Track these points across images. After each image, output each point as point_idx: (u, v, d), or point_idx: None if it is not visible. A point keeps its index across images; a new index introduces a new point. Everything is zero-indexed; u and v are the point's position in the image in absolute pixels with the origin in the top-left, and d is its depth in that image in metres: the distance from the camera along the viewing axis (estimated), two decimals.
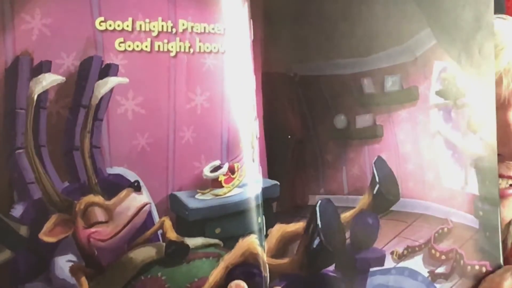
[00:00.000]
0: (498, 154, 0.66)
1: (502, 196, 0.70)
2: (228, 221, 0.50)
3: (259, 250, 0.50)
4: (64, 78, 0.45)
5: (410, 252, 0.58)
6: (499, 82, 0.71)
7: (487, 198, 0.62)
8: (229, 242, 0.50)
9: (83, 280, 0.47)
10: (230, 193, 0.51)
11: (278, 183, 0.55)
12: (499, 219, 0.62)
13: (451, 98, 0.61)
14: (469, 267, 0.61)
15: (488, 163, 0.62)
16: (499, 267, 0.62)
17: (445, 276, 0.60)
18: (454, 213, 0.60)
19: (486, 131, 0.62)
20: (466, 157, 0.61)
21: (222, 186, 0.50)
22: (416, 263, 0.58)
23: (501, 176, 0.71)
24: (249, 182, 0.51)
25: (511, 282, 0.60)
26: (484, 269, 0.61)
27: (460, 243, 0.61)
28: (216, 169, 0.50)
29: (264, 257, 0.50)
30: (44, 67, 0.44)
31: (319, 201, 0.54)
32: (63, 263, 0.47)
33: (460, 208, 0.61)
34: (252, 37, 0.52)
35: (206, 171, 0.50)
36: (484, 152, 0.62)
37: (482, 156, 0.62)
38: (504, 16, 0.79)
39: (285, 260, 0.53)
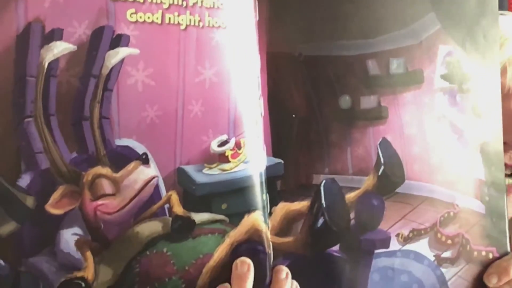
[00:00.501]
0: (504, 143, 0.71)
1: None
2: (234, 197, 0.54)
3: (263, 227, 0.54)
4: (75, 47, 0.48)
5: (415, 235, 0.62)
6: (503, 72, 0.76)
7: (493, 184, 0.66)
8: (235, 218, 0.54)
9: (89, 254, 0.50)
10: (236, 168, 0.54)
11: (282, 162, 0.58)
12: (505, 205, 0.66)
13: (456, 82, 0.66)
14: (475, 253, 0.65)
15: (493, 148, 0.66)
16: (506, 253, 0.66)
17: (451, 261, 0.63)
18: (460, 198, 0.64)
19: (491, 116, 0.67)
20: (472, 141, 0.66)
21: (229, 161, 0.54)
22: (422, 246, 0.62)
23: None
24: (254, 158, 0.55)
25: None
26: (491, 255, 0.65)
27: (466, 228, 0.65)
28: (223, 143, 0.54)
29: (268, 234, 0.54)
30: (56, 35, 0.48)
31: (324, 181, 0.57)
32: (69, 237, 0.50)
33: (466, 193, 0.65)
34: (257, 17, 0.56)
35: (214, 146, 0.54)
36: (489, 137, 0.66)
37: (488, 141, 0.66)
38: (504, 12, 0.84)
39: (289, 239, 0.57)
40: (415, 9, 0.63)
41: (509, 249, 0.67)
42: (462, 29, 0.66)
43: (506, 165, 0.76)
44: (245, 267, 0.52)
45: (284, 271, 0.54)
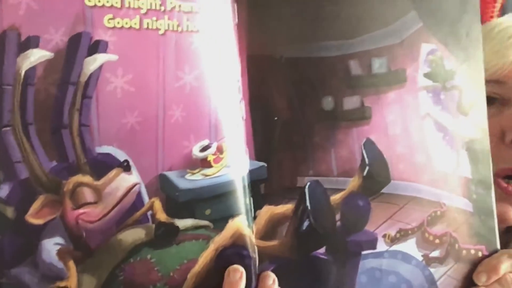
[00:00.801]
0: None
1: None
2: (217, 202, 0.55)
3: (247, 231, 0.55)
4: (52, 54, 0.50)
5: (402, 235, 0.63)
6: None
7: (480, 181, 0.68)
8: (219, 223, 0.55)
9: (71, 263, 0.51)
10: (218, 173, 0.55)
11: (266, 165, 0.60)
12: (493, 203, 0.68)
13: (440, 81, 0.67)
14: (464, 251, 0.66)
15: (480, 145, 0.68)
16: (496, 251, 0.67)
17: (440, 260, 0.65)
18: (447, 196, 0.66)
19: (476, 113, 0.68)
20: (457, 139, 0.67)
21: (211, 166, 0.55)
22: (410, 246, 0.64)
23: None
24: (237, 162, 0.56)
25: (508, 265, 0.65)
26: (480, 254, 0.66)
27: (454, 227, 0.66)
28: (205, 148, 0.55)
29: (252, 238, 0.55)
30: (32, 42, 0.49)
31: (308, 183, 0.59)
32: (51, 246, 0.51)
33: (453, 191, 0.66)
34: (236, 20, 0.58)
35: (196, 151, 0.55)
36: (475, 135, 0.68)
37: (474, 138, 0.68)
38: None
39: (274, 243, 0.58)
40: (396, 8, 0.65)
41: (498, 246, 0.68)
42: (444, 27, 0.68)
43: None
44: (238, 274, 0.53)
45: (271, 277, 0.55)
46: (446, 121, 0.67)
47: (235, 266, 0.53)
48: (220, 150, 0.55)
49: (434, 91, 0.67)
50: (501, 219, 0.70)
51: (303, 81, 0.62)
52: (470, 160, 0.68)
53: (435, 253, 0.65)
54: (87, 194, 0.52)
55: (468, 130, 0.68)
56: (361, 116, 0.63)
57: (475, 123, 0.69)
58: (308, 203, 0.58)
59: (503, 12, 1.01)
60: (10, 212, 0.50)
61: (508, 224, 0.77)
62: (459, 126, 0.68)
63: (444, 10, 0.68)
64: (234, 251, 0.54)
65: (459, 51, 0.69)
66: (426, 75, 0.67)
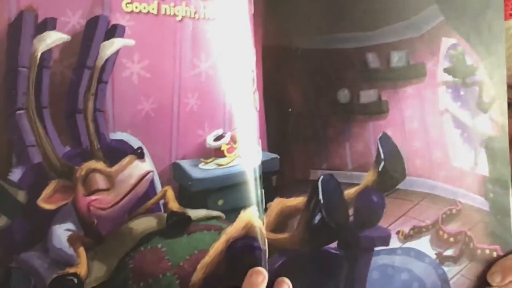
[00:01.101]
0: None
1: None
2: (230, 193, 0.56)
3: (258, 223, 0.56)
4: (69, 37, 0.50)
5: (416, 232, 0.64)
6: None
7: (498, 180, 0.68)
8: (231, 214, 0.56)
9: (81, 250, 0.53)
10: (231, 163, 0.56)
11: (278, 157, 0.60)
12: (510, 202, 0.68)
13: (460, 76, 0.68)
14: (479, 251, 0.67)
15: (498, 143, 0.68)
16: (511, 252, 0.68)
17: (454, 259, 0.65)
18: (463, 194, 0.66)
19: (496, 111, 0.69)
20: (475, 137, 0.68)
21: (225, 156, 0.56)
22: (423, 244, 0.64)
23: None
24: (250, 153, 0.57)
25: None
26: (494, 253, 0.67)
27: (470, 226, 0.67)
28: (218, 138, 0.56)
29: (263, 230, 0.56)
30: (49, 24, 0.50)
31: (321, 176, 0.59)
32: (61, 232, 0.52)
33: (470, 189, 0.67)
34: (253, 10, 0.58)
35: (210, 140, 0.56)
36: (494, 133, 0.68)
37: (493, 136, 0.68)
38: None
39: (284, 235, 0.59)
40: (417, 1, 0.65)
41: None
42: (466, 21, 0.68)
43: None
44: (260, 277, 0.54)
45: (287, 285, 0.56)
46: (465, 117, 0.68)
47: (259, 268, 0.54)
48: (233, 140, 0.56)
49: (454, 87, 0.68)
50: None
51: (319, 73, 0.63)
52: (488, 158, 0.69)
53: (449, 252, 0.66)
54: (100, 181, 0.52)
55: (487, 128, 0.69)
56: (378, 110, 0.64)
57: (495, 121, 0.69)
58: (320, 197, 0.58)
59: None
60: (22, 196, 0.51)
61: None
62: (478, 123, 0.69)
63: (467, 4, 0.68)
64: (245, 243, 0.55)
65: (480, 46, 0.69)
66: (446, 70, 0.67)
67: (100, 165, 0.53)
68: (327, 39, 0.63)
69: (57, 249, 0.52)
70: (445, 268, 0.65)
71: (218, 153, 0.56)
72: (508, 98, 0.76)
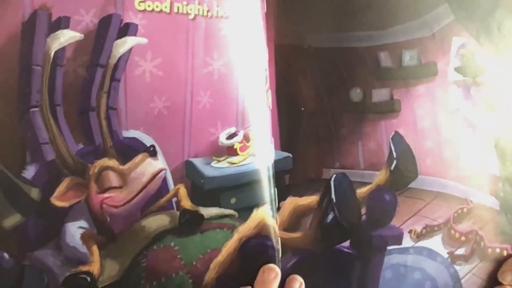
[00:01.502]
0: None
1: None
2: (243, 191, 0.56)
3: (271, 222, 0.55)
4: (82, 35, 0.50)
5: (428, 231, 0.64)
6: None
7: (508, 179, 0.68)
8: (244, 213, 0.55)
9: (95, 248, 0.52)
10: (244, 161, 0.56)
11: (291, 156, 0.60)
12: None
13: (470, 75, 0.67)
14: (489, 250, 0.66)
15: (509, 143, 0.68)
16: None
17: (465, 258, 0.65)
18: (474, 193, 0.66)
19: (506, 110, 0.68)
20: (486, 136, 0.67)
21: (238, 154, 0.56)
22: (435, 243, 0.64)
23: None
24: (262, 152, 0.56)
25: None
26: (505, 252, 0.66)
27: (481, 225, 0.66)
28: (231, 136, 0.56)
29: (276, 229, 0.56)
30: (63, 23, 0.50)
31: (334, 175, 0.59)
32: (74, 230, 0.52)
33: (480, 189, 0.66)
34: (265, 9, 0.58)
35: (222, 138, 0.55)
36: (504, 132, 0.68)
37: (503, 136, 0.68)
38: None
39: (297, 234, 0.58)
40: (428, 0, 0.65)
41: None
42: (476, 21, 0.68)
43: None
44: (272, 274, 0.53)
45: (298, 281, 0.55)
46: (475, 117, 0.68)
47: (271, 265, 0.54)
48: (246, 138, 0.56)
49: (465, 86, 0.67)
50: None
51: (331, 72, 0.63)
52: (498, 157, 0.68)
53: (461, 251, 0.65)
54: (113, 178, 0.52)
55: (497, 127, 0.68)
56: (390, 109, 0.63)
57: (504, 120, 0.69)
58: (333, 196, 0.58)
59: None
60: (35, 193, 0.51)
61: None
62: (488, 122, 0.68)
63: (477, 3, 0.68)
64: (258, 242, 0.55)
65: (490, 45, 0.69)
66: (457, 69, 0.67)
67: (113, 162, 0.52)
68: (340, 38, 0.62)
69: (70, 247, 0.52)
70: (457, 267, 0.65)
71: (230, 151, 0.56)
72: None
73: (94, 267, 0.52)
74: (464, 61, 0.67)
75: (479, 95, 0.68)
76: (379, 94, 0.63)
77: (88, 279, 0.51)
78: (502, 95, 0.69)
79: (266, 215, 0.55)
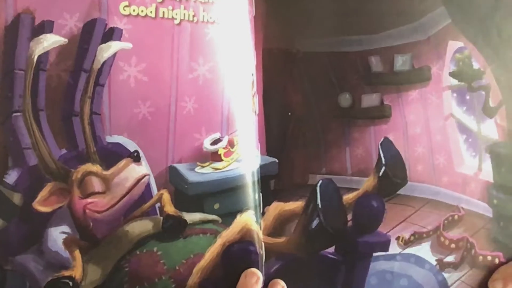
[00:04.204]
0: None
1: None
2: (226, 197, 0.56)
3: (255, 227, 0.56)
4: (66, 40, 0.51)
5: (417, 238, 0.64)
6: None
7: (502, 186, 0.68)
8: (227, 218, 0.56)
9: (77, 253, 0.53)
10: (228, 167, 0.57)
11: (277, 161, 0.61)
12: None
13: (466, 80, 0.67)
14: (480, 257, 0.66)
15: (504, 149, 0.68)
16: None
17: (455, 266, 0.65)
18: (466, 200, 0.66)
19: (502, 116, 0.68)
20: (480, 142, 0.68)
21: (222, 160, 0.56)
22: (424, 250, 0.64)
23: None
24: (247, 157, 0.57)
25: None
26: (497, 260, 0.67)
27: (472, 232, 0.66)
28: (216, 142, 0.56)
29: (260, 234, 0.57)
30: (46, 27, 0.50)
31: (320, 181, 0.59)
32: (57, 235, 0.53)
33: (473, 195, 0.67)
34: (254, 13, 0.58)
35: (206, 144, 0.56)
36: (500, 138, 0.68)
37: (498, 142, 0.68)
38: None
39: (282, 239, 0.59)
40: (424, 4, 0.65)
41: None
42: (474, 24, 0.68)
43: None
44: (254, 278, 0.54)
45: (280, 285, 0.56)
46: (470, 122, 0.68)
47: (253, 269, 0.55)
48: (231, 144, 0.56)
49: (460, 91, 0.67)
50: None
51: (320, 77, 0.63)
52: (493, 163, 0.68)
53: (450, 258, 0.66)
54: (96, 184, 0.53)
55: (493, 133, 0.68)
56: (380, 114, 0.64)
57: (501, 126, 0.69)
58: (319, 201, 0.59)
59: None
60: (17, 198, 0.52)
61: None
62: (484, 128, 0.68)
63: (475, 6, 0.68)
64: (241, 247, 0.56)
65: (488, 49, 0.68)
66: (452, 74, 0.67)
67: (96, 168, 0.53)
68: (329, 42, 0.63)
69: (52, 251, 0.53)
70: (446, 275, 0.65)
71: (215, 157, 0.56)
72: None
73: (77, 272, 0.53)
74: (460, 66, 0.67)
75: (474, 101, 0.68)
76: (369, 100, 0.64)
77: (70, 283, 0.52)
78: (500, 100, 0.69)
79: (250, 220, 0.56)
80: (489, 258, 0.67)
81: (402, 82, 0.65)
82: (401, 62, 0.65)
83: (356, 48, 0.63)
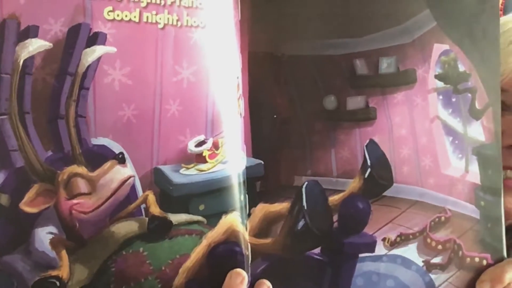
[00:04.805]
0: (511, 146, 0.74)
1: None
2: (211, 198, 0.57)
3: (241, 228, 0.57)
4: (51, 44, 0.52)
5: (403, 239, 0.65)
6: None
7: (489, 188, 0.69)
8: (212, 219, 0.57)
9: (64, 253, 0.54)
10: (213, 168, 0.58)
11: (262, 162, 0.62)
12: (502, 210, 0.69)
13: (452, 83, 0.68)
14: (468, 259, 0.67)
15: (491, 151, 0.69)
16: (501, 260, 0.68)
17: (442, 267, 0.66)
18: (453, 202, 0.67)
19: (489, 117, 0.69)
20: (467, 144, 0.68)
21: (206, 162, 0.58)
22: (410, 251, 0.65)
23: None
24: (233, 159, 0.58)
25: None
26: (484, 262, 0.68)
27: (459, 233, 0.67)
28: (200, 144, 0.58)
29: (246, 235, 0.58)
30: (32, 31, 0.52)
31: (306, 182, 0.61)
32: (44, 235, 0.54)
33: (460, 197, 0.68)
34: (239, 17, 0.60)
35: (191, 146, 0.57)
36: (487, 140, 0.69)
37: (485, 143, 0.69)
38: None
39: (267, 240, 0.60)
40: (409, 7, 0.66)
41: (505, 255, 0.69)
42: (460, 27, 0.69)
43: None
44: (239, 279, 0.56)
45: (266, 285, 0.57)
46: (456, 124, 0.69)
47: (238, 270, 0.56)
48: (216, 146, 0.58)
49: (445, 93, 0.68)
50: (507, 213, 0.71)
51: (305, 80, 0.64)
52: (480, 165, 0.69)
53: (437, 259, 0.67)
54: (81, 185, 0.54)
55: (480, 135, 0.69)
56: (365, 117, 0.65)
57: (487, 128, 0.70)
58: (304, 203, 0.60)
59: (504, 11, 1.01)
60: (4, 199, 0.53)
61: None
62: (470, 130, 0.69)
63: (461, 9, 0.69)
64: (227, 248, 0.57)
65: (474, 52, 0.70)
66: (438, 77, 0.68)
67: (82, 169, 0.54)
68: (314, 46, 0.64)
69: (39, 251, 0.54)
70: (433, 276, 0.66)
71: (199, 158, 0.58)
72: (502, 102, 0.76)
73: (63, 272, 0.54)
74: (445, 68, 0.68)
75: (460, 103, 0.69)
76: (354, 102, 0.65)
77: (57, 283, 0.53)
78: (486, 102, 0.70)
79: (235, 221, 0.57)
80: (477, 259, 0.68)
81: (387, 84, 0.66)
82: (386, 65, 0.66)
83: (341, 51, 0.64)
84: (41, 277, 0.53)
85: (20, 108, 0.52)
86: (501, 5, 1.01)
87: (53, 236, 0.54)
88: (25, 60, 0.52)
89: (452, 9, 0.69)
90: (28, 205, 0.53)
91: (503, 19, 0.87)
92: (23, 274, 0.53)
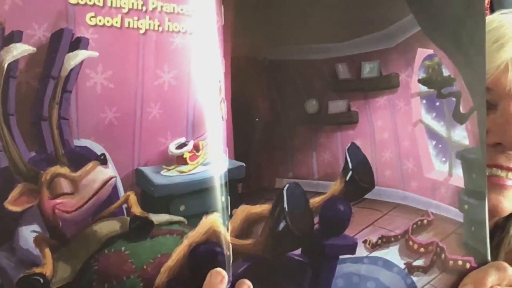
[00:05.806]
0: (498, 144, 0.75)
1: (502, 187, 0.78)
2: (192, 199, 0.59)
3: (222, 228, 0.59)
4: (35, 49, 0.55)
5: (384, 242, 0.66)
6: (504, 72, 0.80)
7: (473, 192, 0.70)
8: (193, 219, 0.59)
9: (47, 251, 0.57)
10: (194, 170, 0.60)
11: (244, 165, 0.64)
12: (486, 214, 0.70)
13: (436, 87, 0.70)
14: (451, 262, 0.68)
15: (475, 155, 0.70)
16: (485, 263, 0.69)
17: (424, 269, 0.68)
18: (436, 205, 0.68)
19: (473, 121, 0.70)
20: (451, 148, 0.70)
21: (187, 163, 0.60)
22: (392, 253, 0.67)
23: (500, 167, 0.80)
24: (214, 160, 0.60)
25: (495, 278, 0.67)
26: (468, 265, 0.69)
27: (442, 236, 0.69)
28: (181, 146, 0.60)
29: (227, 236, 0.60)
30: (16, 36, 0.54)
31: (287, 185, 0.62)
32: (28, 234, 0.56)
33: (443, 201, 0.69)
34: (223, 22, 0.62)
35: (172, 148, 0.59)
36: (471, 144, 0.70)
37: (469, 147, 0.70)
38: (506, 10, 0.88)
39: (248, 241, 0.62)
40: (392, 12, 0.68)
41: (489, 258, 0.70)
42: (444, 32, 0.70)
43: (501, 167, 0.80)
44: (219, 278, 0.58)
45: (246, 285, 0.59)
46: (439, 128, 0.70)
47: (218, 269, 0.58)
48: (196, 148, 0.60)
49: (429, 98, 0.70)
50: (492, 211, 0.72)
51: (287, 84, 0.66)
52: (464, 169, 0.70)
53: (419, 262, 0.68)
54: (64, 185, 0.56)
55: (464, 139, 0.71)
56: (347, 120, 0.66)
57: (472, 132, 0.71)
58: (285, 205, 0.61)
59: (491, 9, 1.02)
60: None
61: (499, 215, 0.79)
62: (455, 134, 0.70)
63: (446, 14, 0.70)
64: (207, 248, 0.59)
65: (460, 56, 0.71)
66: (421, 81, 0.69)
67: (64, 170, 0.57)
68: (295, 50, 0.66)
69: (23, 249, 0.56)
70: (415, 278, 0.67)
71: (180, 160, 0.60)
72: (487, 101, 0.77)
73: (47, 269, 0.56)
74: (429, 73, 0.69)
75: (444, 107, 0.70)
76: (336, 106, 0.66)
77: (41, 280, 0.55)
78: (470, 106, 0.71)
79: (216, 222, 0.59)
80: (460, 262, 0.69)
81: (369, 89, 0.67)
82: (368, 69, 0.67)
83: (324, 56, 0.66)
84: (25, 274, 0.55)
85: (5, 110, 0.55)
86: (487, 4, 1.02)
87: (37, 234, 0.57)
88: (9, 64, 0.54)
89: (437, 14, 0.70)
90: (12, 204, 0.55)
91: (488, 18, 0.88)
92: (8, 270, 0.56)
